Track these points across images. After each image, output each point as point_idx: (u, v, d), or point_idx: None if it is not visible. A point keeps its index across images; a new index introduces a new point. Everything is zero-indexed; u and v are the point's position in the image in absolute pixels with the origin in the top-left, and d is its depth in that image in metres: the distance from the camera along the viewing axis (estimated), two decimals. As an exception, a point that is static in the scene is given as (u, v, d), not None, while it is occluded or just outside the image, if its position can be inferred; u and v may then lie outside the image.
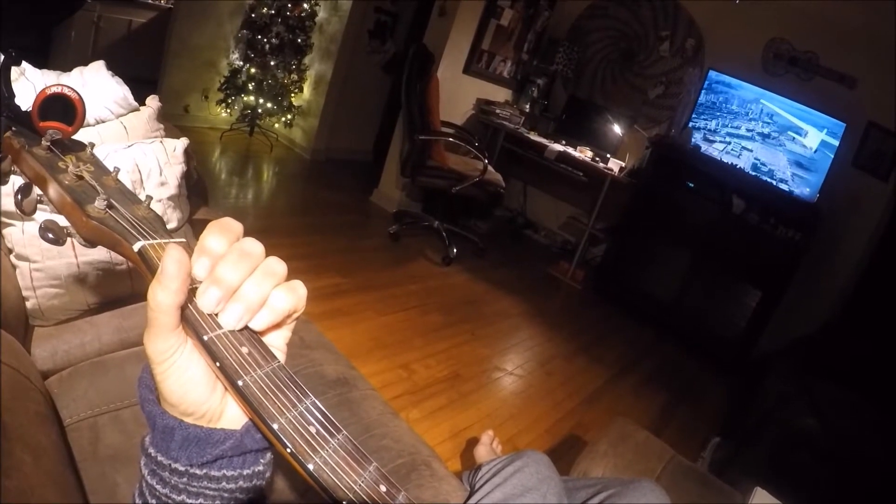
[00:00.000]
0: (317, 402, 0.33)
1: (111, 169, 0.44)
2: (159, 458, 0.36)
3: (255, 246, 0.37)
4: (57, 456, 0.86)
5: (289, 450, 0.31)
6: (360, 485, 0.31)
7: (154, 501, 0.36)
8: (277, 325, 0.38)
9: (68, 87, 0.43)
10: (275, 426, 0.31)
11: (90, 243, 0.39)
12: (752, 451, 2.33)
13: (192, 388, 0.35)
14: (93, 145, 0.45)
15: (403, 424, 1.42)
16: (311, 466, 0.30)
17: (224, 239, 0.36)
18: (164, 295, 0.33)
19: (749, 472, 2.04)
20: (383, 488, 0.32)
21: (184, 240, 0.38)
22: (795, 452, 2.16)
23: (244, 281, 0.35)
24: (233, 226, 0.37)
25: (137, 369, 0.36)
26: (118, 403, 1.12)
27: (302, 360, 1.46)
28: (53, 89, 0.42)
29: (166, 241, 0.37)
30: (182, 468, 0.35)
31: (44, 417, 0.93)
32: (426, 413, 2.27)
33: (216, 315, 0.35)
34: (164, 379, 0.35)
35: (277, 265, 0.37)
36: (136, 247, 0.36)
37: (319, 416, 0.33)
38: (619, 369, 3.23)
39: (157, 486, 0.36)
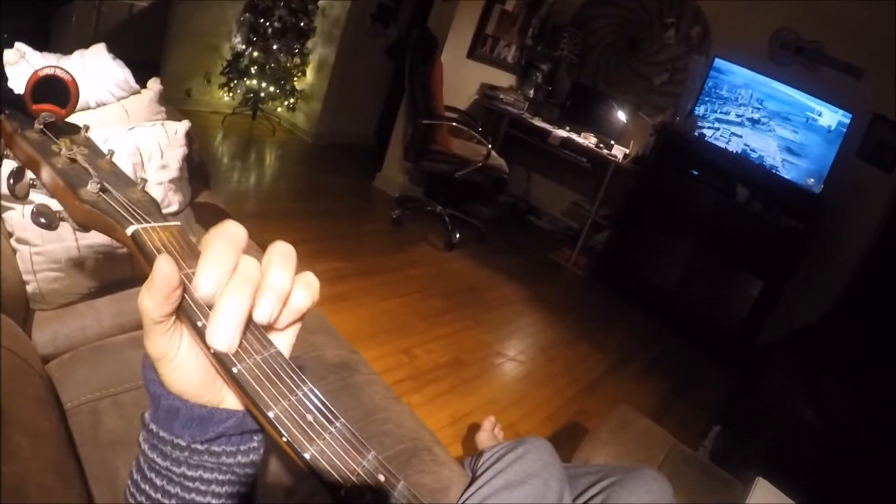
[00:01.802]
0: (314, 389, 0.33)
1: (106, 152, 0.43)
2: (162, 434, 0.36)
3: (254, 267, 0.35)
4: (57, 441, 0.86)
5: (285, 438, 0.30)
6: (358, 473, 0.31)
7: (153, 475, 0.37)
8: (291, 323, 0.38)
9: (61, 68, 0.42)
10: (270, 414, 0.31)
11: (84, 227, 0.38)
12: (754, 440, 2.33)
13: (192, 380, 0.36)
14: (87, 128, 0.44)
15: (405, 409, 1.42)
16: (307, 455, 0.30)
17: (231, 256, 0.34)
18: (150, 303, 0.32)
19: (750, 461, 2.04)
20: (382, 477, 0.31)
21: (179, 223, 0.38)
22: (796, 443, 2.16)
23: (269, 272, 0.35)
24: (238, 235, 0.35)
25: (138, 353, 0.36)
26: (119, 388, 1.12)
27: (303, 345, 1.46)
28: (45, 71, 0.41)
29: (161, 224, 0.37)
30: (184, 444, 0.36)
31: (44, 402, 0.93)
32: (428, 398, 2.28)
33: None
34: (165, 373, 0.35)
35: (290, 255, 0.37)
36: (130, 231, 0.36)
37: (317, 404, 0.32)
38: (621, 357, 3.23)
39: (158, 460, 0.37)
